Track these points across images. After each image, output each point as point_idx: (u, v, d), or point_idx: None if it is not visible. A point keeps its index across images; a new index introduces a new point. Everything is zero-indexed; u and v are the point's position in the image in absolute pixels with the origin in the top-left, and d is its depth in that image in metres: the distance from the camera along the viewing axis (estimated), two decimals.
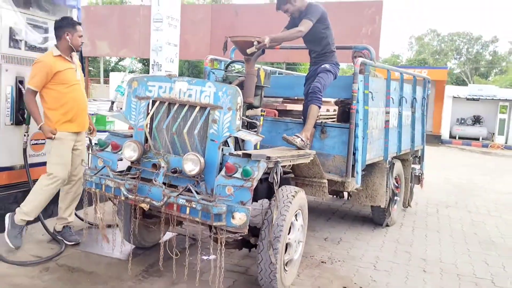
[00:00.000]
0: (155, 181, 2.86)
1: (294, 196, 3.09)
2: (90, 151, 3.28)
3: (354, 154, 3.91)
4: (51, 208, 4.11)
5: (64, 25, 3.70)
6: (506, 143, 17.59)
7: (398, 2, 66.58)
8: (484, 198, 7.40)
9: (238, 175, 2.72)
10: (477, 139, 18.43)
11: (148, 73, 6.70)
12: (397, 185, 5.19)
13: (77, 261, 3.49)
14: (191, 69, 35.08)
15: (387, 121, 4.58)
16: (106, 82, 24.61)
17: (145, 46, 16.37)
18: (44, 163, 3.78)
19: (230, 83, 3.38)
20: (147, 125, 3.13)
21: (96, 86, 26.57)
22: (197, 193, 2.78)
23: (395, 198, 5.17)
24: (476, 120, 19.04)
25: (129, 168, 3.20)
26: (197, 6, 23.07)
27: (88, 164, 3.45)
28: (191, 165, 2.80)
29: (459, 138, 18.54)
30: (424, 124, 6.02)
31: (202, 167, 2.79)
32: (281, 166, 2.93)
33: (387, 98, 4.57)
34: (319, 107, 3.78)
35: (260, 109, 4.18)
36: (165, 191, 2.77)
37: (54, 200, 3.81)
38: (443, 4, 73.57)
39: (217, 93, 2.90)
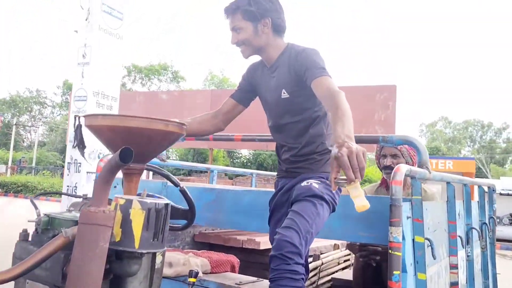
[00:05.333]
0: None
1: None
2: None
3: None
4: None
5: None
6: None
7: (407, 88, 66.54)
8: None
9: None
10: None
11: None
12: None
13: None
14: (197, 157, 33.51)
15: (454, 284, 2.27)
16: None
17: None
18: None
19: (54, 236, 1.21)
20: None
21: None
22: None
23: None
24: None
25: None
26: (196, 91, 21.99)
27: None
28: None
29: (497, 240, 15.75)
30: (495, 263, 3.66)
31: None
32: None
33: (452, 237, 2.32)
34: None
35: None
36: None
37: None
38: (451, 90, 73.83)
39: None
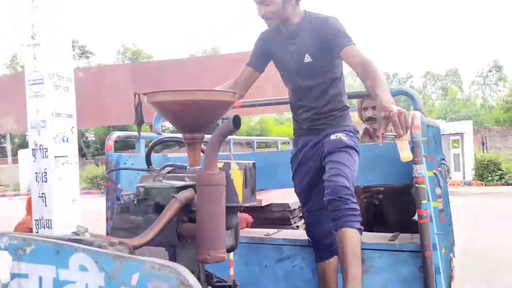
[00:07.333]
0: None
1: None
2: None
3: None
4: None
5: None
6: (464, 179, 16.67)
7: None
8: None
9: None
10: None
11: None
12: None
13: None
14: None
15: (441, 211, 2.66)
16: (16, 161, 21.31)
17: None
18: None
19: (146, 214, 1.32)
20: None
21: (3, 168, 23.03)
22: None
23: None
24: None
25: None
26: (115, 66, 20.94)
27: None
28: None
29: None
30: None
31: None
32: None
33: (436, 170, 2.69)
34: (360, 232, 1.78)
35: None
36: None
37: None
38: (360, 41, 77.19)
39: None
